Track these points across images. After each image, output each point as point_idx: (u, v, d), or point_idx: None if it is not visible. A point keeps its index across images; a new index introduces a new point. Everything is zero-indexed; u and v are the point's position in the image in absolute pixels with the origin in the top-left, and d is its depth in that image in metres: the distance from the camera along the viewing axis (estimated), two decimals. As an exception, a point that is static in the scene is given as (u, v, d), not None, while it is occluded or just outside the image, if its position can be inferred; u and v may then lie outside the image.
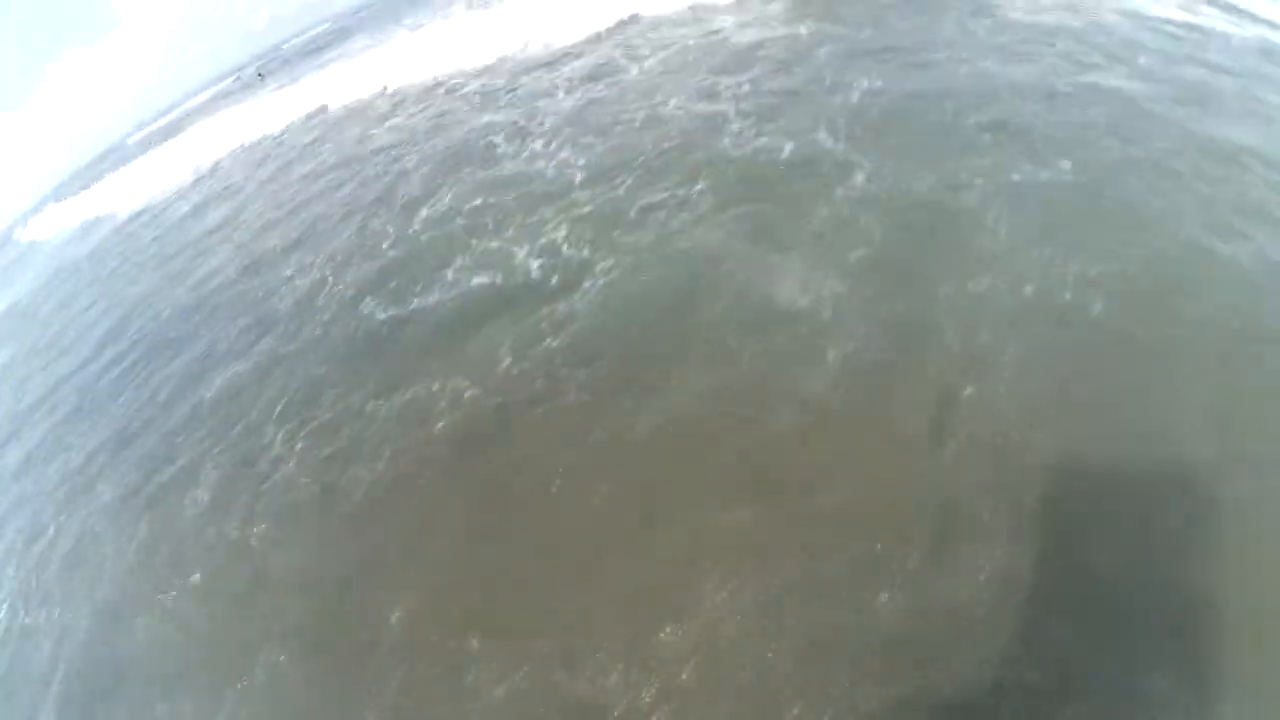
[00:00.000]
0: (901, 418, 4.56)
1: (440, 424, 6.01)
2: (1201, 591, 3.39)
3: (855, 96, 8.56)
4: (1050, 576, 3.60)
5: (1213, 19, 8.98)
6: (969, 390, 4.55)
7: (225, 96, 51.72)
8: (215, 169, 22.72)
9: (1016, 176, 6.28)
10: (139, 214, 23.62)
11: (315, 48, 51.34)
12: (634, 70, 12.53)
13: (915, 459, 4.28)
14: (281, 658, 4.76)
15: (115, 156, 56.75)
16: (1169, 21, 8.97)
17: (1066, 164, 6.27)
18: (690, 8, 14.44)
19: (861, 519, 4.06)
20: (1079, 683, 3.25)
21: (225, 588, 5.61)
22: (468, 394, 6.17)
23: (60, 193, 52.43)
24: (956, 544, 3.80)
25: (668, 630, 3.90)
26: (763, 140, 8.14)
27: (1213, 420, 4.05)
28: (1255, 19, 8.97)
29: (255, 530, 5.92)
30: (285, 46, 77.59)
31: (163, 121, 66.35)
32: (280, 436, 6.84)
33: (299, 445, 6.61)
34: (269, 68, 55.49)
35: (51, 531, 7.56)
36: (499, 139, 11.56)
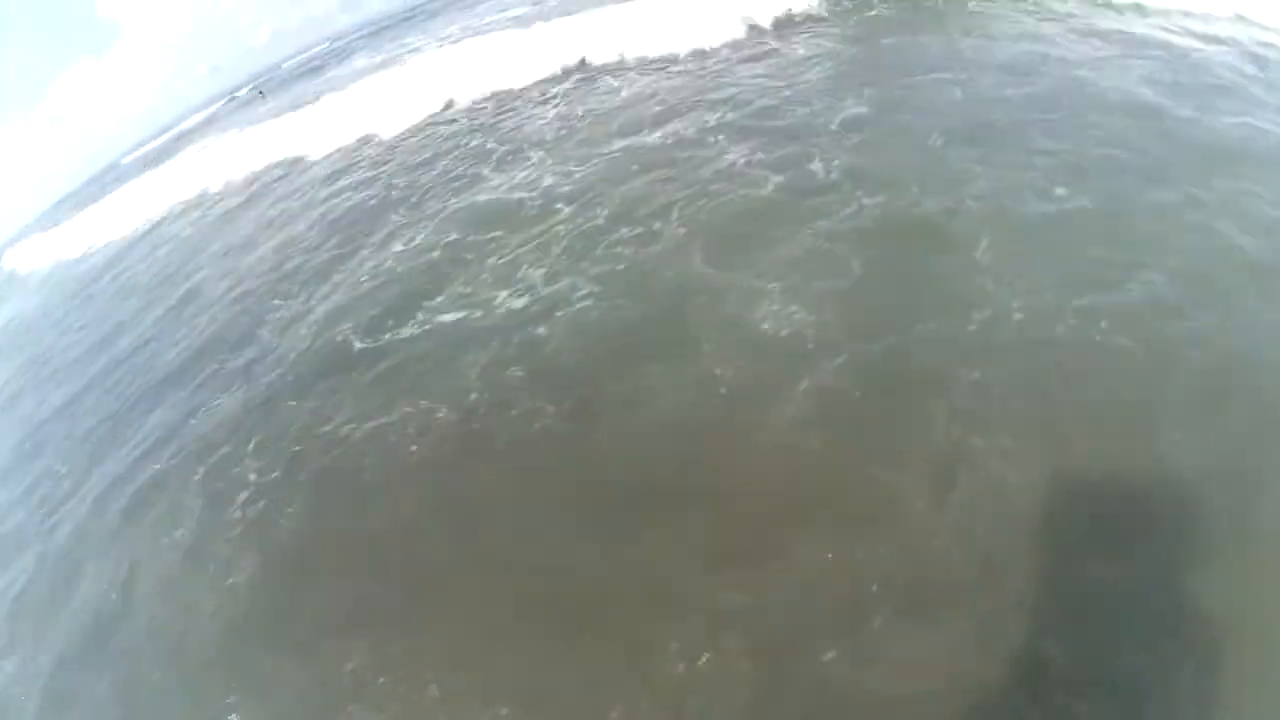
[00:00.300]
0: (888, 443, 4.43)
1: (413, 448, 5.94)
2: (1203, 597, 3.36)
3: (844, 121, 8.50)
4: (1049, 588, 3.53)
5: (1208, 29, 8.97)
6: (961, 409, 4.44)
7: (224, 117, 52.08)
8: (208, 192, 22.64)
9: (1009, 201, 6.18)
10: (131, 237, 23.57)
11: (315, 66, 51.85)
12: (623, 93, 12.57)
13: (908, 479, 4.15)
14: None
15: (111, 176, 56.98)
16: (1163, 33, 8.97)
17: (1061, 189, 6.17)
18: (682, 36, 14.45)
19: (852, 540, 3.95)
20: (1079, 687, 3.19)
21: (201, 632, 5.39)
22: (440, 419, 6.07)
23: (57, 213, 52.62)
24: (952, 554, 3.73)
25: (635, 681, 3.72)
26: (749, 168, 8.04)
27: (1213, 436, 3.99)
28: (1252, 26, 8.96)
29: (232, 573, 5.71)
30: (285, 65, 78.34)
31: (159, 141, 66.67)
32: (257, 468, 6.71)
33: (275, 475, 6.48)
34: (268, 86, 55.92)
35: (32, 562, 7.37)
36: (484, 167, 11.52)
